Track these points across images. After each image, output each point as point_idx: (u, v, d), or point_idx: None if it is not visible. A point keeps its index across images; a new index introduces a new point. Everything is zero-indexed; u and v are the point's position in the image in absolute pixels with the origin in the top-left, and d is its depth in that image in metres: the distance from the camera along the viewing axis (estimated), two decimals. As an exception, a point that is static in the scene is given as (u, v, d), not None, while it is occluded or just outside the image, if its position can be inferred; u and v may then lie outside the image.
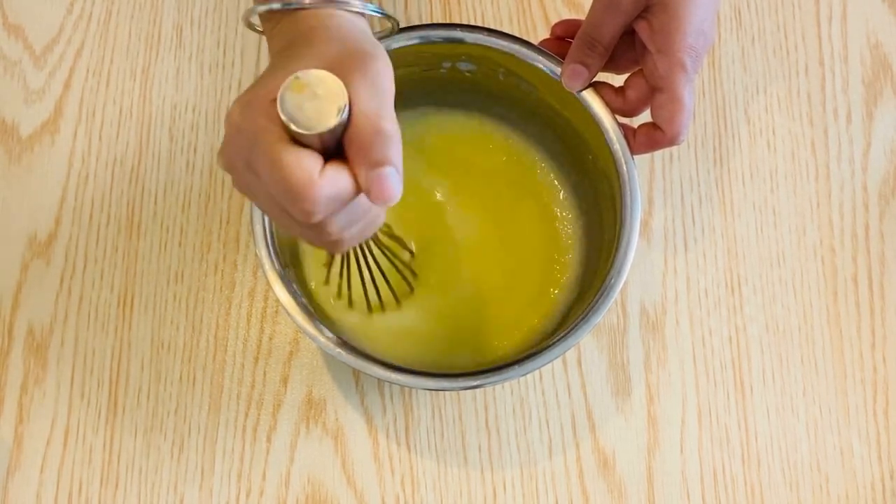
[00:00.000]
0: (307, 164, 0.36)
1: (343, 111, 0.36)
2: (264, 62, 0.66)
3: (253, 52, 0.66)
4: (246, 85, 0.65)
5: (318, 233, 0.39)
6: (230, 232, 0.62)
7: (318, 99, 0.36)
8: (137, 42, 0.66)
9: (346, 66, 0.37)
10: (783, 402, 0.60)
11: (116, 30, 0.67)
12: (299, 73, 0.36)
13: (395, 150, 0.37)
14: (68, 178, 0.63)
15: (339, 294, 0.56)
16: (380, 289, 0.55)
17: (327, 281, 0.56)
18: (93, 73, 0.66)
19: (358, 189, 0.37)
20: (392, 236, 0.55)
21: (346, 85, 0.36)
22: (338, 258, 0.54)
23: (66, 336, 0.60)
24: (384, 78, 0.38)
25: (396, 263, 0.55)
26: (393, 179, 0.36)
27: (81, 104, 0.65)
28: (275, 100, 0.36)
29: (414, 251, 0.57)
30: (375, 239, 0.51)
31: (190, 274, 0.62)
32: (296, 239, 0.56)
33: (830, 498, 0.58)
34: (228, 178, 0.63)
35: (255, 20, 0.44)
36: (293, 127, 0.36)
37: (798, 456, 0.59)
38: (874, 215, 0.63)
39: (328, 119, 0.36)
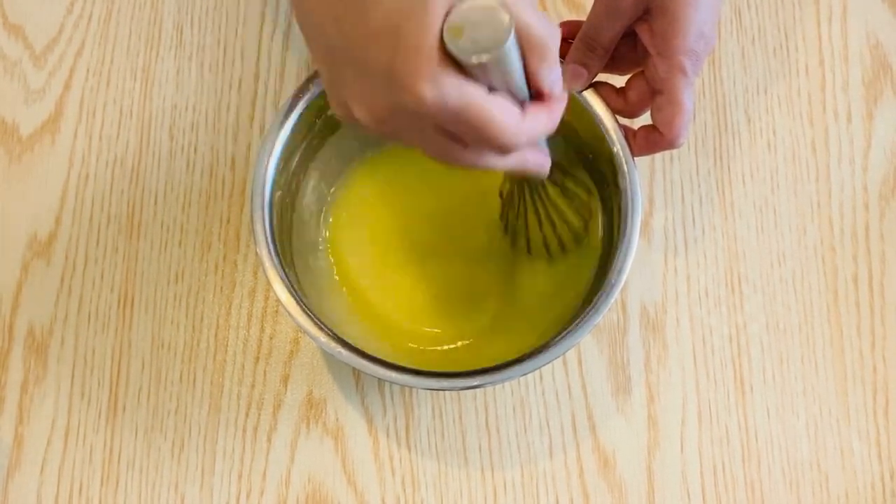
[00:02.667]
0: (509, 108, 0.37)
1: (505, 10, 0.34)
2: (264, 61, 0.66)
3: (253, 51, 0.66)
4: (246, 84, 0.65)
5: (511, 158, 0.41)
6: (230, 231, 0.62)
7: (480, 24, 0.34)
8: (137, 42, 0.66)
9: None
10: (783, 401, 0.60)
11: (116, 30, 0.67)
12: (445, 26, 0.34)
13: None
14: (68, 178, 0.63)
15: (514, 243, 0.57)
16: (558, 230, 0.55)
17: (506, 230, 0.57)
18: (93, 73, 0.66)
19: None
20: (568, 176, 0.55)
21: None
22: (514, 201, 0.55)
23: (66, 336, 0.60)
24: None
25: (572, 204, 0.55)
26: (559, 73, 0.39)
27: (81, 104, 0.65)
28: (443, 54, 0.34)
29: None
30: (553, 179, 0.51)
31: (190, 274, 0.62)
32: (294, 240, 0.56)
33: (830, 497, 0.58)
34: (229, 177, 0.63)
35: None
36: (485, 59, 0.34)
37: (798, 455, 0.59)
38: (874, 215, 0.63)
39: (501, 30, 0.34)
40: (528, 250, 0.57)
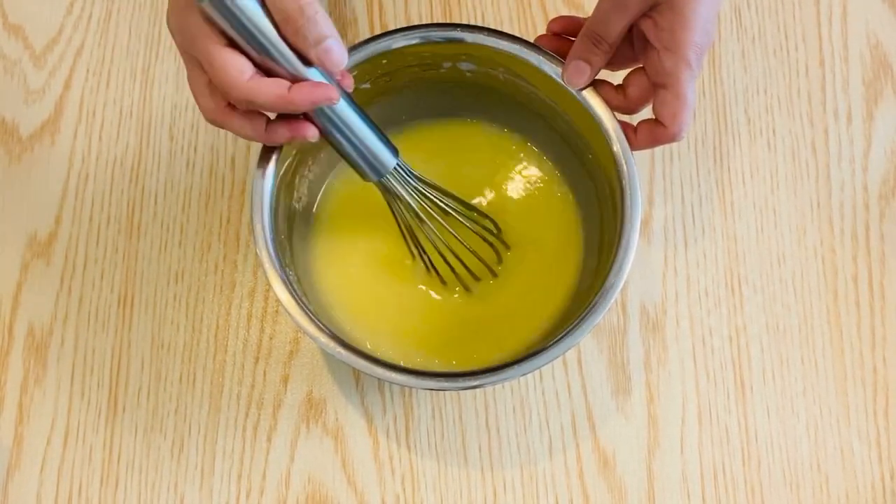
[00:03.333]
0: (237, 64, 0.42)
1: None
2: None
3: (253, 52, 0.66)
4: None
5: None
6: (230, 231, 0.62)
7: None
8: (137, 42, 0.66)
9: None
10: (783, 401, 0.60)
11: (116, 30, 0.67)
12: None
13: (324, 23, 0.42)
14: (68, 178, 0.63)
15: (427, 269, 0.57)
16: (461, 258, 0.57)
17: (413, 256, 0.57)
18: (93, 73, 0.66)
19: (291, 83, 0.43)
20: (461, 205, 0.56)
21: None
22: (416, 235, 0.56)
23: (66, 336, 0.60)
24: None
25: (477, 230, 0.56)
26: (338, 48, 0.43)
27: (81, 104, 0.65)
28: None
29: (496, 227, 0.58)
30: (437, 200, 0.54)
31: (190, 274, 0.62)
32: (291, 236, 0.56)
33: (830, 498, 0.58)
34: (229, 177, 0.63)
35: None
36: (203, 5, 0.40)
37: (798, 456, 0.59)
38: (874, 215, 0.63)
39: None
40: (443, 281, 0.58)
